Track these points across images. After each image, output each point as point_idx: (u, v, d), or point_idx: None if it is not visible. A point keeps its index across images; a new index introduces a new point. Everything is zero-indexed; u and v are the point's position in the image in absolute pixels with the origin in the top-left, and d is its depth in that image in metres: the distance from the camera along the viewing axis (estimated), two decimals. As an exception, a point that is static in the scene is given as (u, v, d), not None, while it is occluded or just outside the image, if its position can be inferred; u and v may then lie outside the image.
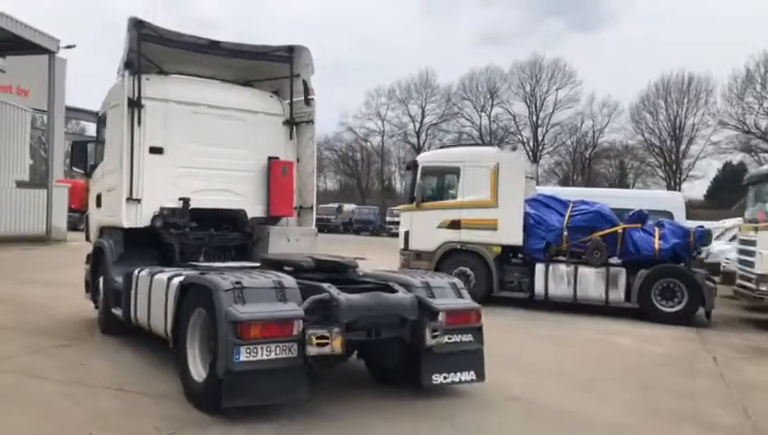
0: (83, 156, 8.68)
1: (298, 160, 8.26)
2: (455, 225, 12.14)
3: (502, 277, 12.00)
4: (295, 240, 7.83)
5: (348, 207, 59.32)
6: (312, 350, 4.69)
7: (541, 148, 64.16)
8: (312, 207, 8.41)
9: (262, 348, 4.64)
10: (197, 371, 5.16)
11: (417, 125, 70.12)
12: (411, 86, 69.09)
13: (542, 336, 9.48)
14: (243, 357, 4.56)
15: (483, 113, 66.37)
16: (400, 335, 5.39)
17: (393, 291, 5.48)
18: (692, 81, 55.71)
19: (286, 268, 5.99)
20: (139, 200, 7.26)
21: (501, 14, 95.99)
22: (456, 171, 12.27)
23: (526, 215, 11.86)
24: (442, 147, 15.14)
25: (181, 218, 7.40)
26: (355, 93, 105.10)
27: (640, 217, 11.82)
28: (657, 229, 11.56)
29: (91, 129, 69.73)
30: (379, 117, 71.14)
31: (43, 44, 23.83)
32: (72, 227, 27.39)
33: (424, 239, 12.38)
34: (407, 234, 12.54)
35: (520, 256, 12.31)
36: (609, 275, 11.31)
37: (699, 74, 55.55)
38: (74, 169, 10.21)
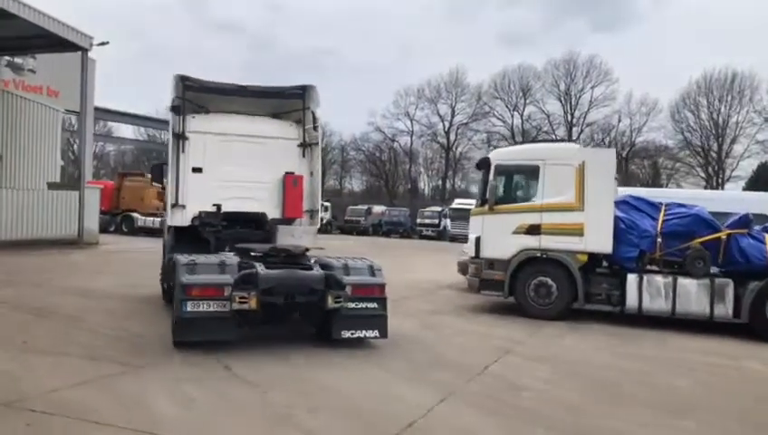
0: (159, 174, 10.58)
1: (312, 174, 10.26)
2: (533, 230, 10.88)
3: (588, 289, 10.71)
4: (298, 236, 9.90)
5: (377, 208, 58.07)
6: (236, 305, 6.84)
7: (575, 148, 62.34)
8: (318, 210, 10.42)
9: (202, 303, 6.90)
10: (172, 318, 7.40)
11: (447, 125, 68.90)
12: (441, 85, 67.93)
13: (661, 360, 8.16)
14: (188, 308, 6.87)
15: (515, 112, 64.83)
16: (311, 301, 7.33)
17: (309, 268, 7.56)
18: (735, 77, 53.67)
19: (253, 253, 7.95)
20: (183, 206, 9.54)
21: (523, 14, 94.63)
22: (534, 170, 11.01)
23: (616, 219, 10.58)
24: (516, 143, 12.59)
25: (215, 219, 9.49)
26: (378, 94, 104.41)
27: (745, 221, 10.46)
28: (766, 235, 10.22)
29: (118, 130, 69.82)
30: (407, 117, 70.05)
31: (77, 41, 22.98)
32: (102, 229, 26.63)
33: (498, 246, 11.14)
34: (478, 240, 11.29)
35: (605, 264, 11.05)
36: (715, 288, 9.98)
37: (743, 71, 53.51)
38: (154, 184, 13.26)
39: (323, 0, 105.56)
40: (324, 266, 7.70)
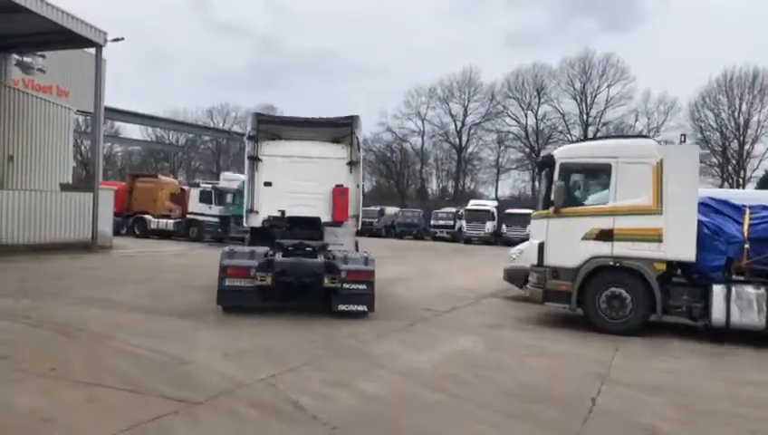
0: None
1: (357, 186, 12.27)
2: (605, 235, 9.83)
3: (666, 301, 9.67)
4: (340, 235, 12.17)
5: (390, 210, 57.06)
6: (257, 282, 9.69)
7: (591, 147, 61.20)
8: (359, 215, 12.38)
9: (235, 280, 9.81)
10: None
11: (459, 124, 67.84)
12: (453, 84, 66.94)
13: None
14: (226, 283, 9.83)
15: (529, 111, 63.73)
16: (314, 281, 9.89)
17: (315, 257, 10.19)
18: (757, 76, 52.46)
19: (288, 246, 10.40)
20: (257, 212, 11.93)
21: (531, 14, 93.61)
22: (605, 169, 9.96)
23: (699, 224, 9.53)
24: (580, 140, 11.48)
25: (280, 222, 11.73)
26: (383, 95, 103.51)
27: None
28: None
29: (124, 130, 68.88)
30: (419, 117, 69.05)
31: (91, 37, 22.02)
32: (114, 231, 25.65)
33: (564, 253, 10.09)
34: (541, 246, 10.25)
35: (682, 273, 10.00)
36: (816, 300, 8.94)
37: (765, 68, 52.30)
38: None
39: (326, 1, 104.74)
40: (331, 257, 10.32)
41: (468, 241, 46.52)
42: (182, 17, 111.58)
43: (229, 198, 32.12)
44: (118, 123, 63.12)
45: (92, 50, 23.18)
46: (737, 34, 77.90)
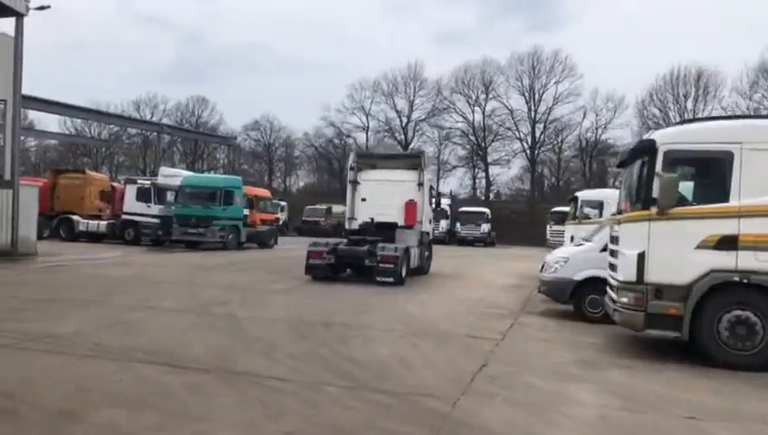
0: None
1: (424, 201, 17.87)
2: (727, 243, 7.61)
3: (808, 327, 7.60)
4: (407, 235, 17.19)
5: (338, 208, 54.07)
6: (326, 261, 15.56)
7: (539, 144, 60.52)
8: (421, 221, 17.69)
9: (315, 259, 15.67)
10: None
11: (405, 120, 65.68)
12: (398, 78, 64.73)
13: None
14: (310, 261, 15.72)
15: (476, 108, 62.32)
16: (361, 262, 15.48)
17: (363, 246, 15.88)
18: (701, 74, 52.98)
19: (368, 239, 16.35)
20: (355, 219, 17.84)
21: (459, 12, 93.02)
22: (724, 158, 7.74)
23: None
24: (683, 122, 9.16)
25: (370, 226, 17.33)
26: (319, 90, 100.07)
27: None
28: None
29: (41, 122, 62.72)
30: (363, 111, 66.44)
31: (11, 4, 18.35)
32: (37, 234, 21.70)
33: (672, 266, 7.81)
34: (641, 258, 7.93)
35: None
36: None
37: (709, 67, 52.93)
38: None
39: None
40: (374, 247, 15.51)
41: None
42: (103, 6, 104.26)
43: (170, 196, 28.64)
44: (32, 115, 57.40)
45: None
46: (669, 36, 79.62)
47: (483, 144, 62.52)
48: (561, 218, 40.53)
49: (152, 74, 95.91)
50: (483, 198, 61.10)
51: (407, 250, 15.81)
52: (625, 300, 8.17)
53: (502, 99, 61.33)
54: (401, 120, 65.93)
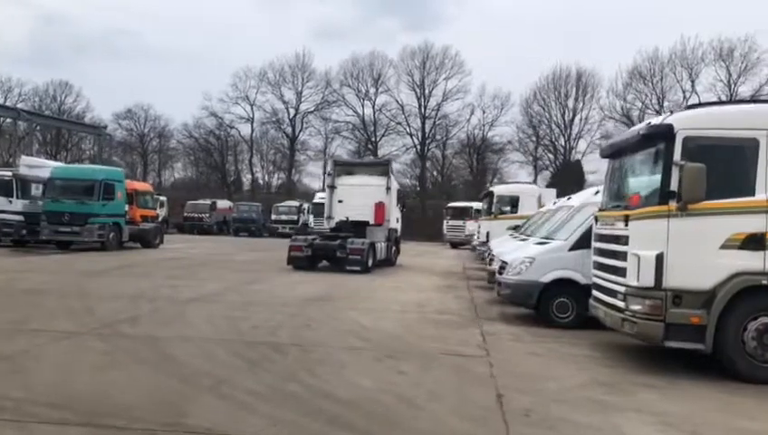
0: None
1: (391, 203, 20.81)
2: (754, 242, 6.77)
3: None
4: (376, 232, 20.22)
5: (223, 203, 51.09)
6: (305, 253, 18.66)
7: (429, 140, 60.66)
8: (389, 220, 20.61)
9: (297, 252, 18.70)
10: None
11: (293, 111, 63.34)
12: (285, 68, 62.22)
13: None
14: (291, 253, 18.77)
15: (366, 101, 61.31)
16: (334, 254, 18.62)
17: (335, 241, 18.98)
18: (582, 75, 55.41)
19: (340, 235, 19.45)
20: (333, 218, 20.63)
21: (338, 8, 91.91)
22: (749, 146, 6.90)
23: None
24: (691, 107, 8.08)
25: (345, 224, 19.96)
26: (200, 80, 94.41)
27: None
28: None
29: None
30: (247, 101, 63.27)
31: None
32: None
33: (693, 269, 6.85)
34: (659, 260, 6.89)
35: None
36: None
37: (588, 68, 55.48)
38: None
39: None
40: (345, 241, 18.56)
41: (316, 237, 42.70)
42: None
43: (35, 189, 24.88)
44: None
45: None
46: (548, 37, 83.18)
47: (373, 139, 61.67)
48: (459, 213, 40.73)
49: (3, 55, 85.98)
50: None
51: (372, 244, 18.99)
52: (638, 308, 7.11)
53: (393, 93, 60.86)
54: (289, 112, 63.61)
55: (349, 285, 15.29)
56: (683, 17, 75.47)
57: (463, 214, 39.71)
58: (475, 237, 25.25)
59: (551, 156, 58.29)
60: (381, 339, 8.68)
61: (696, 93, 51.43)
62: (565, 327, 9.89)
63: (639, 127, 7.76)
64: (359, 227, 19.62)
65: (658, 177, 7.12)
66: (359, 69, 60.58)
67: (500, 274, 10.98)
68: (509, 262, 10.66)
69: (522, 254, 10.67)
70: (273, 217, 48.03)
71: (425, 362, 7.34)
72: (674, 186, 6.92)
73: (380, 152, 61.37)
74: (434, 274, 19.83)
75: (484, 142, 59.84)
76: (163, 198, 46.88)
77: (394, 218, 21.19)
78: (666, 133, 7.07)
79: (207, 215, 48.51)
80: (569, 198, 14.39)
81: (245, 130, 64.82)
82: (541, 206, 21.45)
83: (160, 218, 40.58)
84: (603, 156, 8.89)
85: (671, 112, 7.35)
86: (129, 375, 6.33)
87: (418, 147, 60.49)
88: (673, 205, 6.90)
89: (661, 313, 6.91)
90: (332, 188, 20.76)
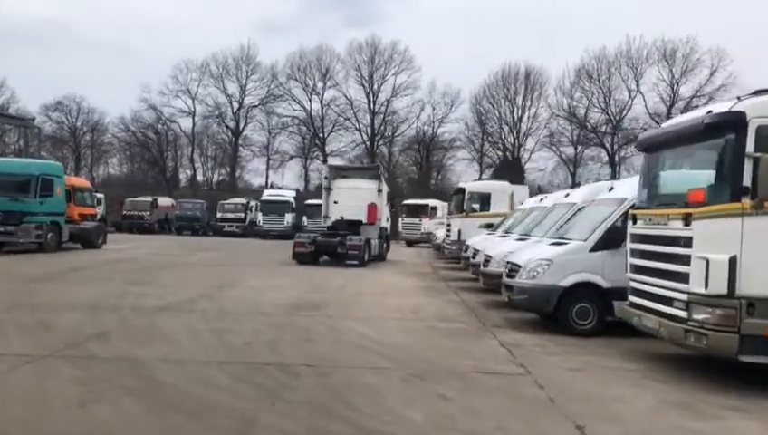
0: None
1: (383, 204, 22.88)
2: (840, 244, 6.10)
3: None
4: (369, 230, 22.02)
5: (164, 201, 48.53)
6: (309, 249, 20.70)
7: (378, 136, 59.71)
8: (380, 219, 22.53)
9: (302, 248, 20.78)
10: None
11: (237, 105, 61.12)
12: (229, 61, 59.93)
13: None
14: (296, 250, 20.84)
15: (314, 96, 59.78)
16: (335, 249, 20.55)
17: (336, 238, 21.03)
18: (530, 73, 55.68)
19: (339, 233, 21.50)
20: (329, 217, 22.61)
21: (279, 2, 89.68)
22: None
23: None
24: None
25: (340, 223, 21.97)
26: (136, 72, 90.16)
27: None
28: None
29: None
30: (189, 95, 60.62)
31: None
32: None
33: (768, 274, 6.13)
34: (732, 264, 6.09)
35: None
36: None
37: (536, 66, 55.82)
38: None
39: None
40: (345, 238, 20.41)
41: (265, 236, 41.02)
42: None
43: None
44: None
45: None
46: (495, 34, 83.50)
47: (320, 134, 60.22)
48: (414, 211, 39.95)
49: None
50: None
51: (368, 241, 20.99)
52: (704, 317, 6.32)
53: (341, 88, 59.56)
54: (232, 106, 61.36)
55: (326, 286, 14.21)
56: (629, 16, 77.24)
57: (419, 211, 39.00)
58: (444, 236, 24.45)
59: (498, 153, 58.39)
60: (397, 354, 7.61)
61: (641, 92, 52.59)
62: (585, 335, 9.09)
63: (699, 115, 6.94)
64: (353, 226, 21.60)
65: (726, 171, 6.35)
66: (306, 62, 59.13)
67: (509, 277, 10.08)
68: (522, 264, 9.76)
69: (537, 255, 9.79)
70: (219, 214, 45.93)
71: (463, 384, 6.33)
72: (747, 181, 6.15)
73: (328, 148, 60.15)
74: (407, 274, 18.89)
75: (433, 139, 59.34)
76: (100, 195, 44.00)
77: (384, 218, 23.35)
78: (736, 122, 6.28)
79: (148, 213, 45.93)
80: (567, 195, 13.65)
81: (186, 124, 62.17)
82: (512, 203, 20.86)
83: (98, 217, 38.09)
84: (642, 148, 8.09)
85: (738, 99, 6.54)
86: (120, 412, 5.05)
87: (367, 143, 59.43)
88: (747, 202, 6.13)
89: (735, 323, 6.14)
90: (328, 190, 22.69)
